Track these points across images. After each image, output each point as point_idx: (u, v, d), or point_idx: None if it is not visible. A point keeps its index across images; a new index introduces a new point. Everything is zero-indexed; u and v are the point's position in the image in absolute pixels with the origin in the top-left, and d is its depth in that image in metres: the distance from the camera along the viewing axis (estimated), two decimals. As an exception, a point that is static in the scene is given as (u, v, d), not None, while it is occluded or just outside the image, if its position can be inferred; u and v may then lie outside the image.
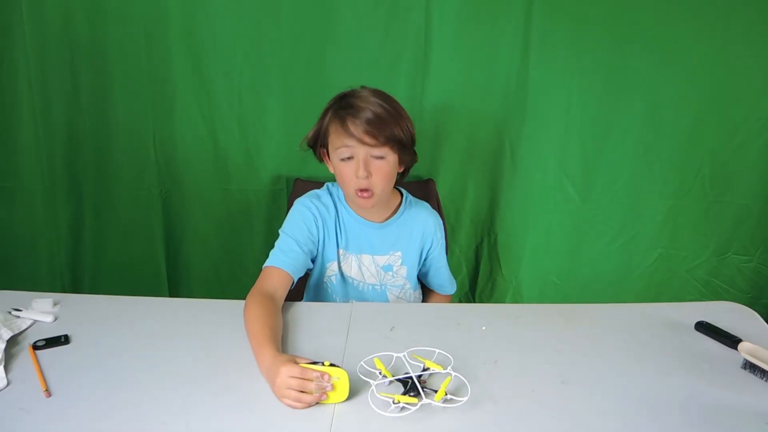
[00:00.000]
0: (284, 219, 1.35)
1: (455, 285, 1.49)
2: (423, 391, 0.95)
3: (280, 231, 1.31)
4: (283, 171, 1.71)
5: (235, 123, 1.67)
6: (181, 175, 1.73)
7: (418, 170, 1.70)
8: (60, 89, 1.64)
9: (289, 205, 1.61)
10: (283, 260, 1.24)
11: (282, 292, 1.20)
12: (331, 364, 0.94)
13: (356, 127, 1.19)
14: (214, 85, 1.63)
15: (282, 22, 1.56)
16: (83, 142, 1.70)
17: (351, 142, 1.20)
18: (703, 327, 1.15)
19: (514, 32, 1.56)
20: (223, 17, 1.56)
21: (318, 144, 1.30)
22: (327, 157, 1.30)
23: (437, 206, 1.60)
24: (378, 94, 1.24)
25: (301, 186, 1.62)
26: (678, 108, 1.62)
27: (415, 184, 1.62)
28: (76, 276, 1.84)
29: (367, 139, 1.19)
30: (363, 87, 1.27)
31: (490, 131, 1.68)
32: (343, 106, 1.23)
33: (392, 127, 1.20)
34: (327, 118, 1.26)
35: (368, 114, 1.19)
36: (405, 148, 1.25)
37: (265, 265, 1.24)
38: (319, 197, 1.35)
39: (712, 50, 1.56)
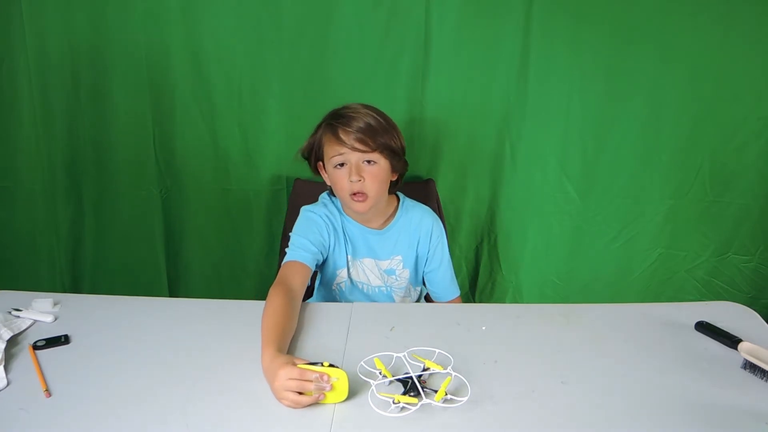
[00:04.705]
0: (284, 220, 1.36)
1: (455, 291, 1.46)
2: (423, 391, 0.95)
3: (291, 234, 1.33)
4: (283, 171, 1.71)
5: (235, 123, 1.67)
6: (181, 175, 1.73)
7: (418, 170, 1.70)
8: (60, 89, 1.63)
9: (289, 204, 1.62)
10: (301, 254, 1.27)
11: (302, 285, 1.22)
12: (330, 365, 0.94)
13: (347, 135, 1.25)
14: (214, 85, 1.63)
15: (282, 22, 1.56)
16: (83, 142, 1.70)
17: (343, 149, 1.26)
18: (703, 327, 1.15)
19: (514, 32, 1.56)
20: (223, 17, 1.56)
21: (313, 156, 1.35)
22: (323, 169, 1.35)
23: (437, 206, 1.60)
24: (369, 107, 1.31)
25: (301, 186, 1.62)
26: (678, 108, 1.62)
27: (415, 184, 1.62)
28: (76, 276, 1.84)
29: (358, 145, 1.25)
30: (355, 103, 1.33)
31: (490, 131, 1.67)
32: (335, 118, 1.29)
33: (382, 135, 1.27)
34: (320, 131, 1.32)
35: (359, 123, 1.26)
36: (395, 155, 1.31)
37: (284, 261, 1.27)
38: (325, 206, 1.39)
39: (712, 50, 1.56)
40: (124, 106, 1.65)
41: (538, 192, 1.72)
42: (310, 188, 1.56)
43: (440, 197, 1.64)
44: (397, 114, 1.62)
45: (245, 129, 1.68)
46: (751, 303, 1.59)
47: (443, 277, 1.43)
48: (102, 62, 1.61)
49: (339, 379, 0.93)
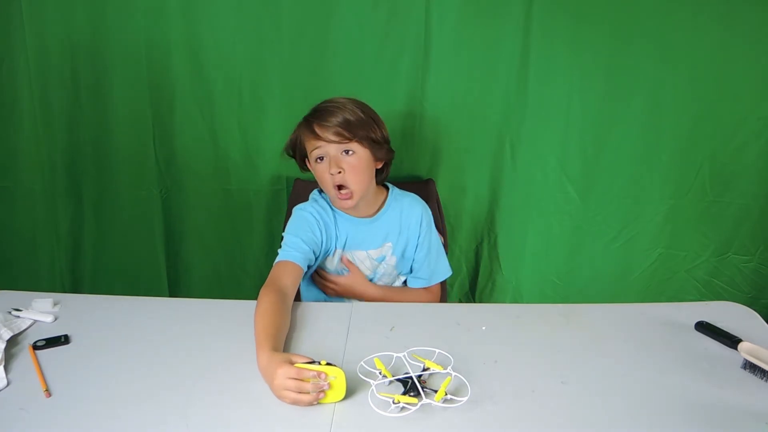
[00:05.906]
0: (284, 220, 1.37)
1: (446, 272, 1.45)
2: (423, 391, 0.95)
3: (283, 234, 1.33)
4: (283, 171, 1.71)
5: (235, 123, 1.67)
6: (181, 175, 1.73)
7: (418, 170, 1.70)
8: (60, 89, 1.63)
9: (289, 205, 1.62)
10: (293, 254, 1.27)
11: (293, 285, 1.22)
12: (328, 363, 0.94)
13: (322, 128, 1.27)
14: (214, 85, 1.63)
15: (282, 22, 1.56)
16: (83, 142, 1.70)
17: (320, 142, 1.27)
18: (703, 327, 1.14)
19: (514, 32, 1.56)
20: (223, 18, 1.56)
21: (297, 154, 1.37)
22: (310, 165, 1.35)
23: (437, 206, 1.60)
24: (349, 99, 1.32)
25: (301, 186, 1.62)
26: (678, 108, 1.62)
27: (415, 184, 1.62)
28: (76, 276, 1.84)
29: (333, 137, 1.26)
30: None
31: (490, 131, 1.67)
32: (311, 114, 1.32)
33: (359, 124, 1.27)
34: (300, 128, 1.33)
35: (337, 118, 1.27)
36: (375, 143, 1.31)
37: (276, 261, 1.27)
38: (315, 201, 1.39)
39: (712, 50, 1.56)
40: (123, 106, 1.65)
41: (538, 192, 1.72)
42: (310, 188, 1.55)
43: (440, 197, 1.64)
44: (396, 114, 1.63)
45: (245, 129, 1.68)
46: (751, 303, 1.59)
47: (432, 262, 1.43)
48: (102, 62, 1.61)
49: (337, 378, 0.93)
